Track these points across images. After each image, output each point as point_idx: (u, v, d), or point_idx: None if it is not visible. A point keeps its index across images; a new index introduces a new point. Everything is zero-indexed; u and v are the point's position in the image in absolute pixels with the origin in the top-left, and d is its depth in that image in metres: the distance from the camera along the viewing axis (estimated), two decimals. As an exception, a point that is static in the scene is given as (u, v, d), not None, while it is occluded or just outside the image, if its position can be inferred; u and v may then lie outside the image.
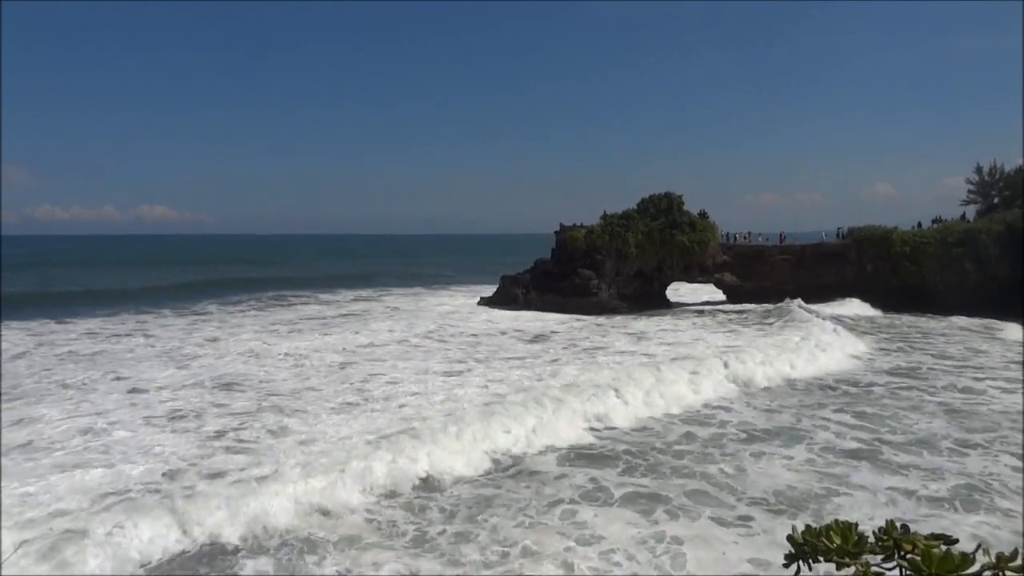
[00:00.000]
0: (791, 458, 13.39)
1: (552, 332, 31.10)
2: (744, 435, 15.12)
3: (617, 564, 9.04)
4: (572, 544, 9.55)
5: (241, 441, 13.82)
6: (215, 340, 28.22)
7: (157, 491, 11.11)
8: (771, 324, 31.84)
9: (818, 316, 32.20)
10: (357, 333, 30.08)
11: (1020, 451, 13.83)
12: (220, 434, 14.48)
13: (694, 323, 33.99)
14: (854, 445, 14.35)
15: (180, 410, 16.70)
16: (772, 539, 9.81)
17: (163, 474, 11.99)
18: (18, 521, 9.66)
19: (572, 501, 11.19)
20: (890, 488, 11.80)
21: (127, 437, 14.31)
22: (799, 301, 36.90)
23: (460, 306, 43.27)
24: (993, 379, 20.31)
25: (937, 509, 11.06)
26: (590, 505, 11.04)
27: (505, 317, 37.00)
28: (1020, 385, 19.38)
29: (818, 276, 40.66)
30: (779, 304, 36.96)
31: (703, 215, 43.55)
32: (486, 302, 44.09)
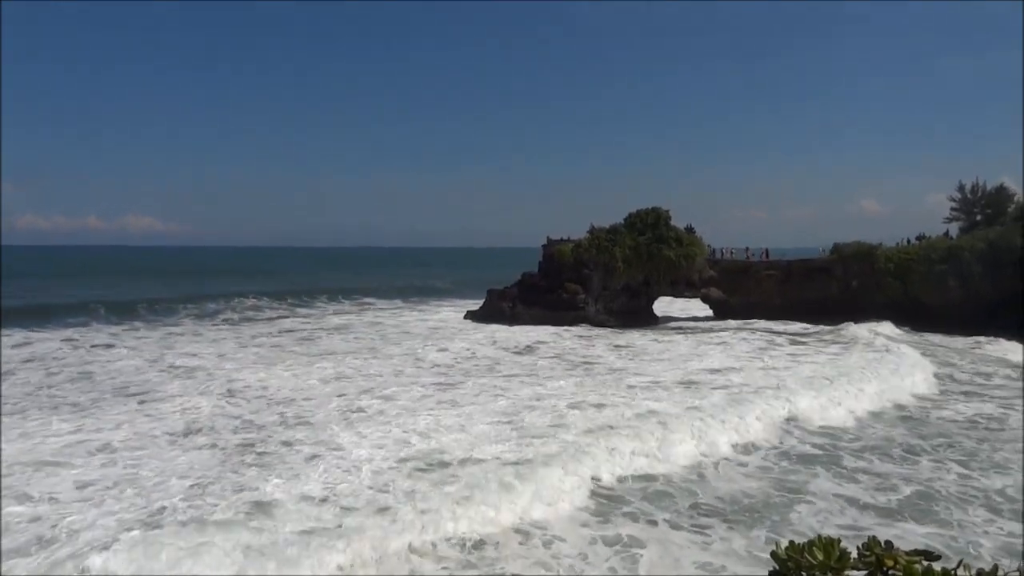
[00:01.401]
0: None
1: (567, 354, 30.14)
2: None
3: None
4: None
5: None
6: (182, 371, 24.56)
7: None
8: (841, 347, 30.09)
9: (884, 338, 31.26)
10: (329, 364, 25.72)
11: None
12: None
13: (729, 344, 31.76)
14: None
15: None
16: None
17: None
18: None
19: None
20: None
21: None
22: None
23: (445, 321, 42.64)
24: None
25: None
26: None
27: (498, 333, 36.17)
28: None
29: (804, 291, 41.10)
30: (838, 326, 35.77)
31: (690, 230, 43.03)
32: (473, 316, 43.46)
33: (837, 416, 18.49)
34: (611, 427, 16.25)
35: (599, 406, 18.75)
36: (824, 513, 12.27)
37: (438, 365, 25.87)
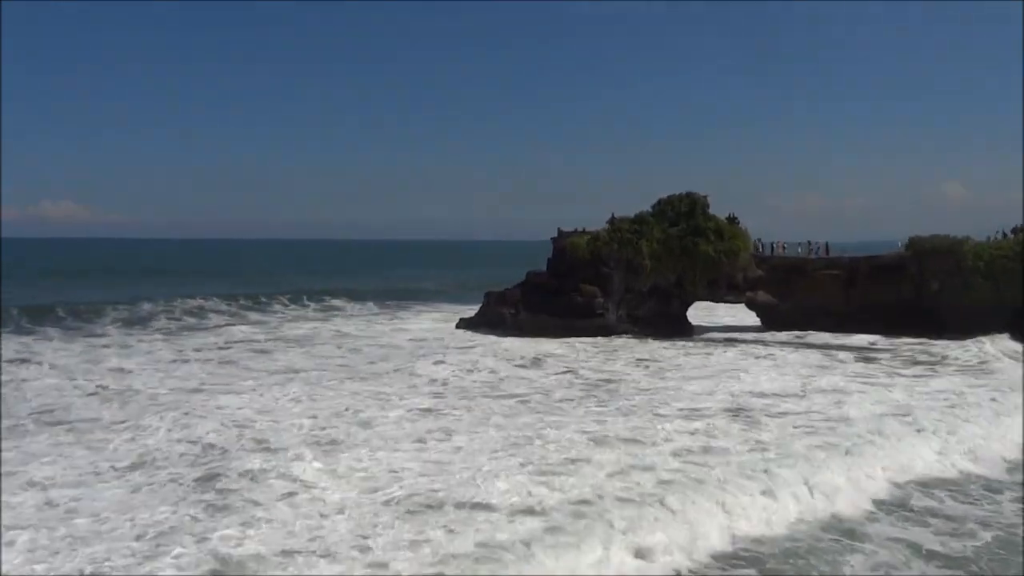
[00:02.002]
0: None
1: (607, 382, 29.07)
2: None
3: None
4: None
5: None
6: (113, 392, 24.71)
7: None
8: (925, 368, 29.99)
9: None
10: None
11: None
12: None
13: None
14: None
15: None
16: None
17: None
18: None
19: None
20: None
21: None
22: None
23: (430, 333, 42.68)
24: None
25: None
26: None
27: (498, 346, 36.33)
28: None
29: (872, 295, 41.21)
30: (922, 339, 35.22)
31: (732, 220, 43.21)
32: (466, 325, 43.66)
33: (924, 467, 17.84)
34: (651, 473, 16.09)
35: (630, 442, 18.93)
36: (885, 566, 12.50)
37: (422, 392, 25.85)
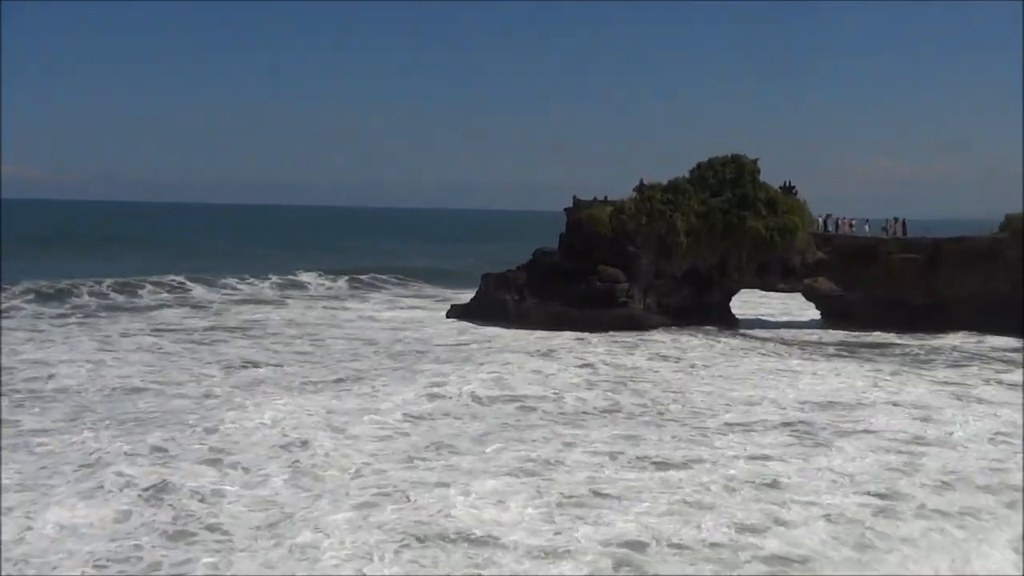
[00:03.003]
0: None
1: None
2: None
3: None
4: None
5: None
6: (40, 382, 26.13)
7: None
8: None
9: None
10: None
11: None
12: None
13: None
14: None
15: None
16: None
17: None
18: None
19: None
20: None
21: None
22: None
23: (411, 322, 42.52)
24: None
25: None
26: None
27: (497, 341, 36.17)
28: None
29: (959, 284, 40.64)
30: None
31: (788, 190, 42.83)
32: (458, 313, 43.43)
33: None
34: (712, 514, 15.55)
35: (670, 466, 18.62)
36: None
37: (403, 398, 25.34)
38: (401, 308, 49.10)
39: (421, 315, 45.63)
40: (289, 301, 51.21)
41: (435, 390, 25.81)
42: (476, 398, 25.19)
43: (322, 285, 59.43)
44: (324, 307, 49.14)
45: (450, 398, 25.05)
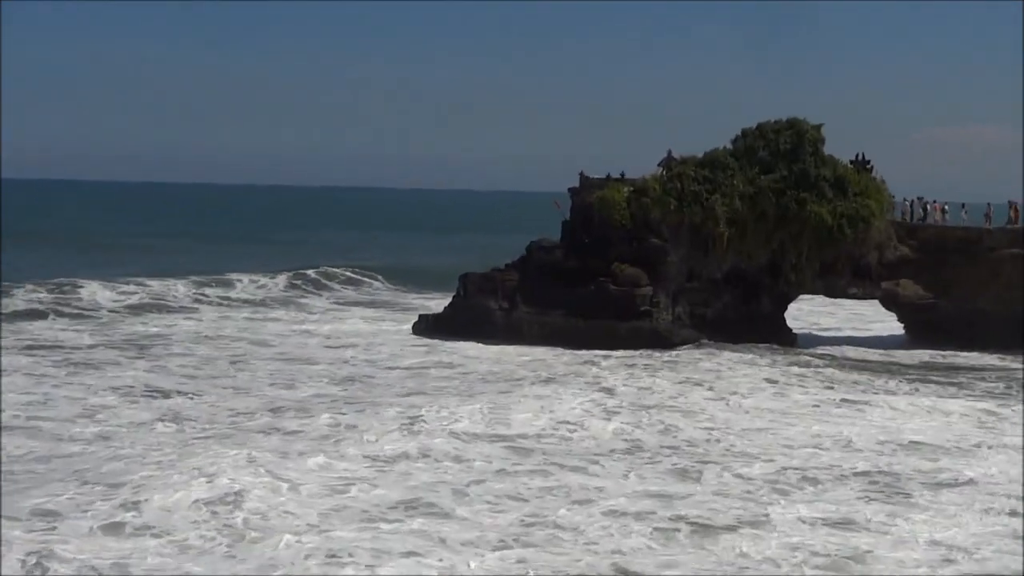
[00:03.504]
0: None
1: None
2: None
3: None
4: None
5: None
6: None
7: None
8: None
9: None
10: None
11: None
12: None
13: None
14: None
15: None
16: None
17: None
18: None
19: None
20: None
21: None
22: None
23: (369, 338, 42.39)
24: None
25: None
26: None
27: (478, 365, 36.16)
28: None
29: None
30: None
31: (862, 165, 42.90)
32: (429, 326, 43.25)
33: None
34: None
35: (715, 530, 18.49)
36: None
37: (355, 439, 25.09)
38: (354, 319, 49.26)
39: (379, 329, 45.76)
40: (202, 307, 51.32)
41: (403, 428, 25.76)
42: (456, 435, 25.15)
43: (254, 283, 59.60)
44: (248, 316, 49.33)
45: (423, 434, 25.06)
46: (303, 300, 56.60)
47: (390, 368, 36.31)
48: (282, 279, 61.57)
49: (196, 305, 52.29)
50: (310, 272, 63.87)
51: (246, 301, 54.86)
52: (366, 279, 65.83)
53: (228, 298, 55.43)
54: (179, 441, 24.19)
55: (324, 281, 63.27)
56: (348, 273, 65.90)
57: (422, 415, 27.20)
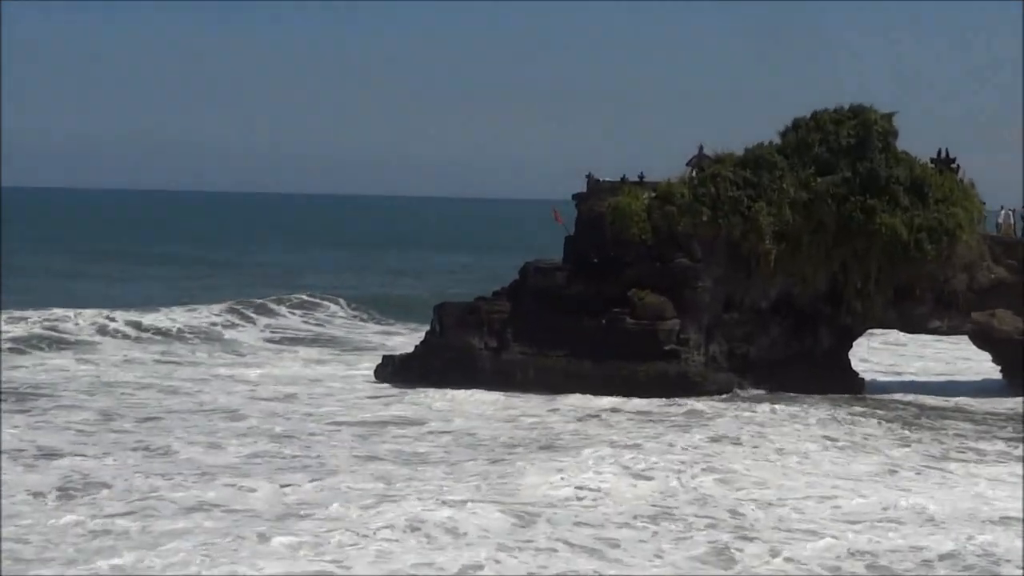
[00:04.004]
0: None
1: None
2: None
3: None
4: None
5: None
6: None
7: None
8: None
9: None
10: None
11: None
12: None
13: None
14: None
15: None
16: None
17: None
18: None
19: None
20: None
21: None
22: None
23: (315, 387, 42.75)
24: None
25: None
26: None
27: (461, 420, 36.58)
28: None
29: None
30: None
31: (946, 164, 43.44)
32: (393, 371, 43.51)
33: None
34: None
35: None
36: None
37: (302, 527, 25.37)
38: (303, 362, 49.94)
39: (328, 372, 46.50)
40: (102, 343, 51.85)
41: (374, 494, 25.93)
42: (445, 504, 25.19)
43: (203, 308, 61.25)
44: (158, 358, 49.89)
45: (397, 502, 25.14)
46: (235, 337, 57.25)
47: (348, 419, 36.59)
48: (215, 310, 62.26)
49: (94, 340, 52.92)
50: (254, 303, 64.61)
51: (160, 336, 55.45)
52: (318, 310, 66.85)
53: (137, 331, 56.06)
54: (92, 520, 23.64)
55: (267, 314, 63.99)
56: (298, 303, 66.72)
57: (392, 487, 27.31)
